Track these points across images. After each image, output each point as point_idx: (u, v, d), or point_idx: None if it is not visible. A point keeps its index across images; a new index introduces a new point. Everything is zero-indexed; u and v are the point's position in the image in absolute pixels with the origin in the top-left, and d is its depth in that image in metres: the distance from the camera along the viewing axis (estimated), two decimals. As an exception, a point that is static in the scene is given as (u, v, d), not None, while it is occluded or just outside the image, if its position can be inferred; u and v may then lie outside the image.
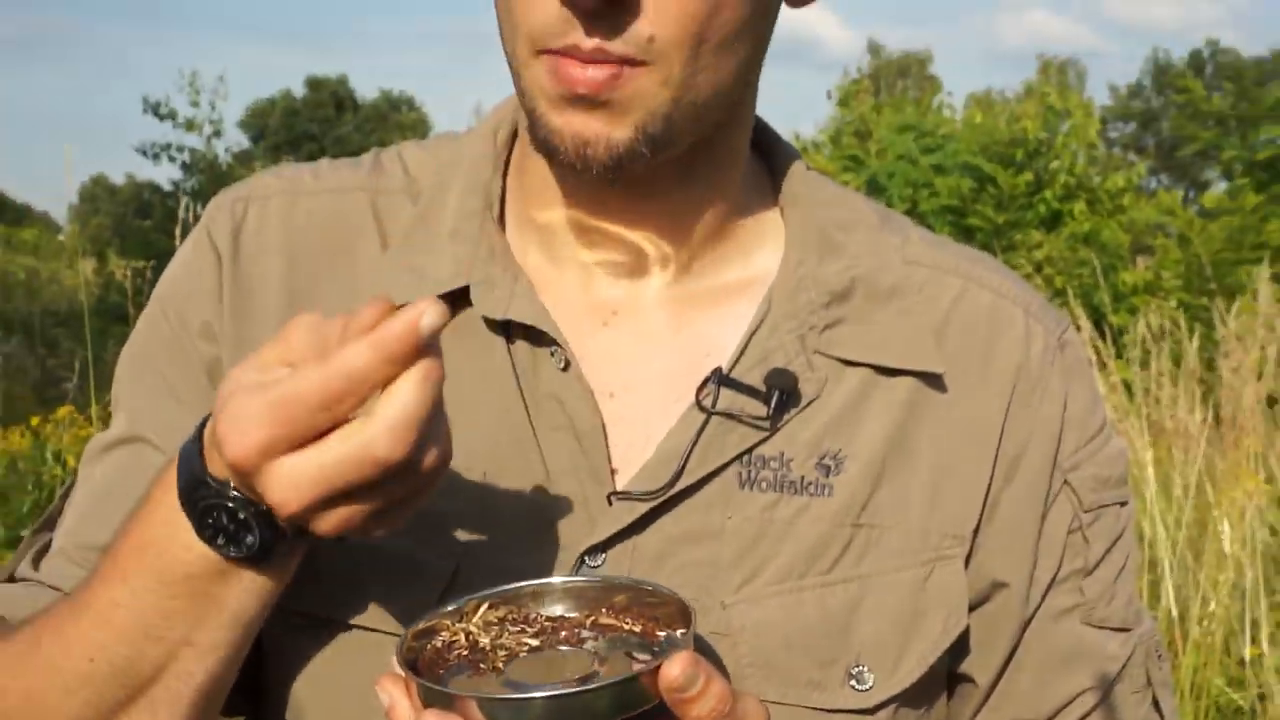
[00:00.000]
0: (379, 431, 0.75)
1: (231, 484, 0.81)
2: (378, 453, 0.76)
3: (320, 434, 0.77)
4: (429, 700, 0.79)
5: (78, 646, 0.90)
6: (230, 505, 0.82)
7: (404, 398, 0.76)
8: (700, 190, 1.04)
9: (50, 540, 1.05)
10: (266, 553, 0.84)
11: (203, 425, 0.84)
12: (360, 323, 0.78)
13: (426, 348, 0.76)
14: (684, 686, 0.77)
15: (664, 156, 0.95)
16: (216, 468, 0.82)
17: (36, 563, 1.04)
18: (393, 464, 0.76)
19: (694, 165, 1.01)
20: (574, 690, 0.78)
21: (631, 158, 0.93)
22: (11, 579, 1.05)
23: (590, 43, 0.89)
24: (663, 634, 0.86)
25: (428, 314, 0.75)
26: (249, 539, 0.82)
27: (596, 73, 0.89)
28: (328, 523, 0.80)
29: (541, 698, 0.78)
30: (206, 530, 0.83)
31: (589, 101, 0.91)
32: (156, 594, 0.87)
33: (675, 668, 0.77)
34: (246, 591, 0.87)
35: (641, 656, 0.84)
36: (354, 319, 0.79)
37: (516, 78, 0.95)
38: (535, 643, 0.86)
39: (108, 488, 1.03)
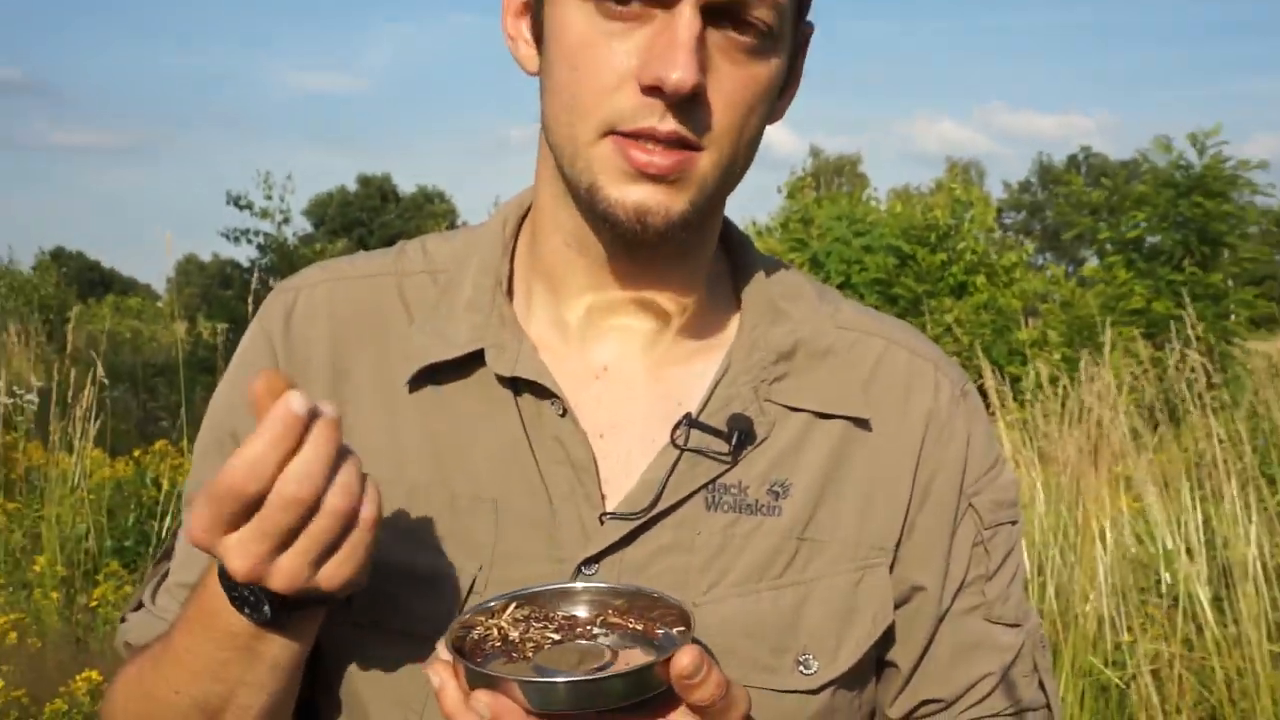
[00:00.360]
0: (286, 479, 0.78)
1: None
2: (286, 492, 0.78)
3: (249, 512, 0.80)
4: (474, 682, 0.79)
5: (166, 681, 0.96)
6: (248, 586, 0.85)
7: (304, 454, 0.78)
8: (687, 266, 1.03)
9: (167, 570, 1.09)
10: (280, 618, 0.87)
11: None
12: (254, 408, 0.80)
13: (312, 418, 0.78)
14: (692, 674, 0.77)
15: (697, 223, 0.96)
16: None
17: (155, 593, 1.09)
18: (303, 500, 0.78)
19: (688, 244, 1.01)
20: (599, 676, 0.79)
21: (683, 226, 0.94)
22: (139, 605, 1.10)
23: (667, 127, 0.89)
24: (660, 631, 0.86)
25: (293, 399, 0.77)
26: (265, 609, 0.86)
27: (667, 159, 0.90)
28: (280, 576, 0.81)
29: (570, 681, 0.78)
30: (236, 603, 0.87)
31: (655, 179, 0.91)
32: (214, 646, 0.91)
33: (686, 658, 0.77)
34: (278, 645, 0.90)
35: (646, 650, 0.84)
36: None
37: (574, 157, 0.94)
38: (556, 636, 0.86)
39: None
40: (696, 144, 0.91)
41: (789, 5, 0.93)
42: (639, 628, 0.87)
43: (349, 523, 0.81)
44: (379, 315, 1.06)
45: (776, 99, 0.99)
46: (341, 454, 0.81)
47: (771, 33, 0.92)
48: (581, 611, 0.89)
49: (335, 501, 0.80)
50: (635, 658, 0.83)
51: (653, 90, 0.88)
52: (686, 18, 0.87)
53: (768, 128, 1.01)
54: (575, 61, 0.91)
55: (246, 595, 0.86)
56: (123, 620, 1.11)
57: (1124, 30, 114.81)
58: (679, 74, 0.86)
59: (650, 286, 1.03)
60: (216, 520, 0.80)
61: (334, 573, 0.82)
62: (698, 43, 0.87)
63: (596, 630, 0.87)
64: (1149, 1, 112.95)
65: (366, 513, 0.82)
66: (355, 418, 1.01)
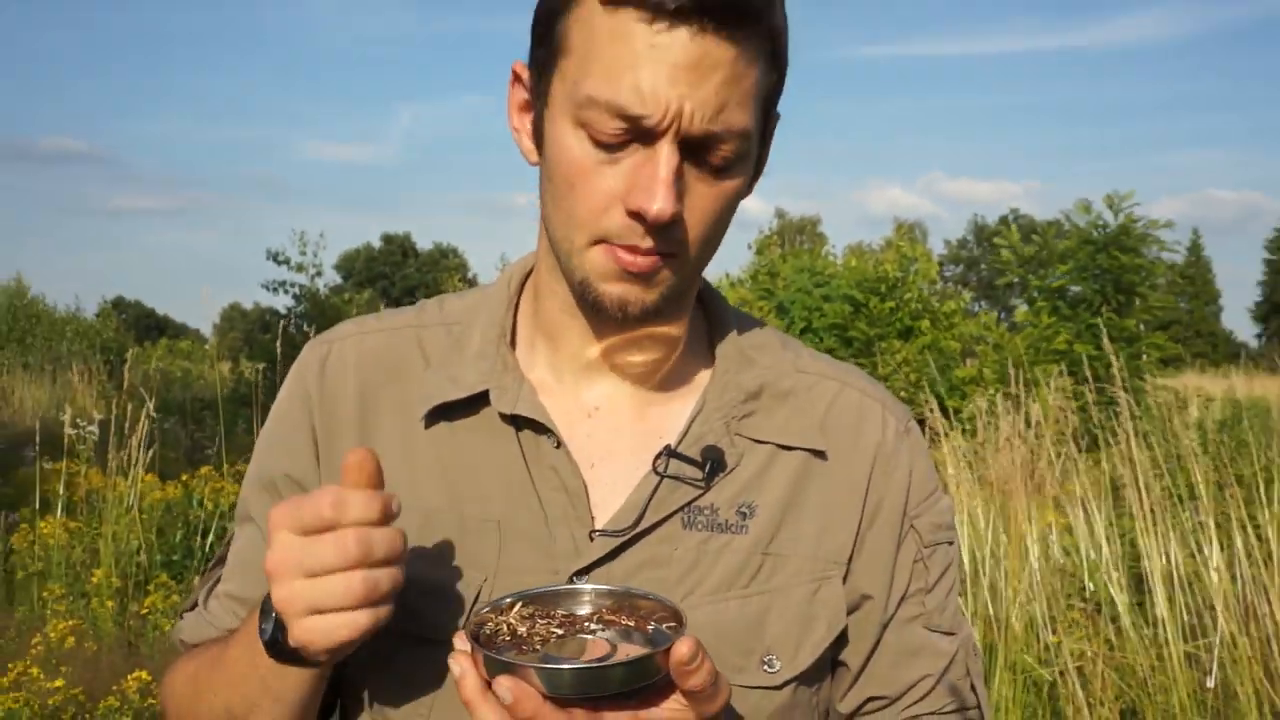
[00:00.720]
0: (347, 532, 0.82)
1: (275, 610, 0.86)
2: (343, 541, 0.81)
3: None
4: (491, 669, 0.78)
5: (210, 685, 0.98)
6: (271, 624, 0.87)
7: (376, 532, 0.82)
8: (667, 325, 1.03)
9: (219, 576, 1.10)
10: (283, 653, 0.88)
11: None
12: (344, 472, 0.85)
13: (391, 517, 0.84)
14: (690, 660, 0.78)
15: (670, 306, 0.98)
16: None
17: (208, 597, 1.10)
18: (347, 553, 0.81)
19: (669, 312, 1.01)
20: (604, 664, 0.79)
21: (656, 312, 0.97)
22: (194, 605, 1.11)
23: (648, 244, 0.91)
24: (651, 627, 0.86)
25: (395, 500, 0.85)
26: (270, 629, 0.88)
27: (646, 262, 0.92)
28: (283, 593, 0.83)
29: (577, 668, 0.78)
30: (264, 640, 0.88)
31: (635, 277, 0.93)
32: (251, 667, 0.92)
33: (685, 647, 0.78)
34: (299, 676, 0.91)
35: (640, 643, 0.84)
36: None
37: (568, 256, 0.96)
38: (560, 631, 0.86)
39: (240, 556, 1.08)
40: (670, 252, 0.93)
41: (755, 129, 0.93)
42: (631, 623, 0.87)
43: (355, 604, 0.82)
44: (400, 362, 1.06)
45: (745, 191, 0.99)
46: (393, 559, 0.84)
47: (739, 156, 0.92)
48: (580, 610, 0.89)
49: (356, 581, 0.81)
50: (633, 650, 0.82)
51: (636, 215, 0.89)
52: (665, 154, 0.88)
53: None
54: (572, 181, 0.92)
55: (275, 639, 0.87)
56: (180, 617, 1.12)
57: (1049, 111, 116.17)
58: (659, 206, 0.87)
59: (634, 343, 1.03)
60: (292, 516, 0.82)
61: (315, 629, 0.83)
62: (676, 174, 0.88)
63: (594, 626, 0.87)
64: (1069, 87, 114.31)
65: (361, 619, 0.82)
66: (379, 450, 1.00)
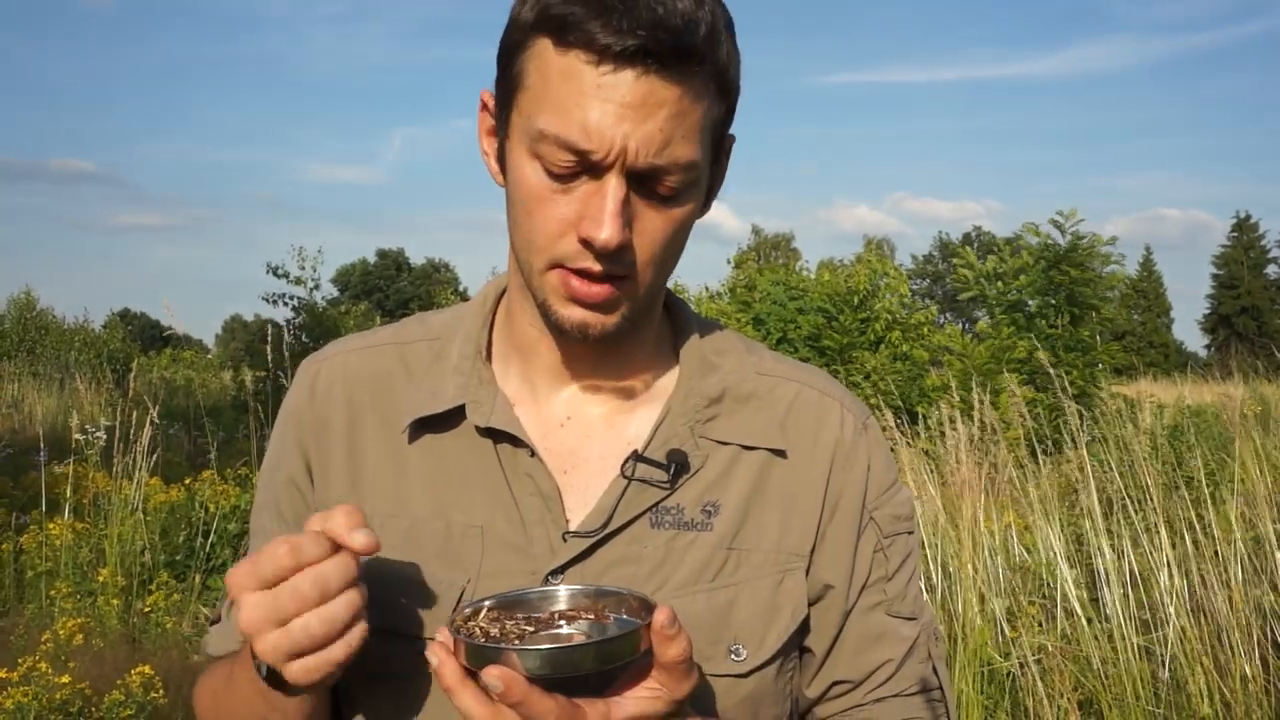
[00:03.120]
0: (304, 575, 0.82)
1: None
2: (300, 586, 0.82)
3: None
4: (472, 658, 0.79)
5: (227, 702, 0.99)
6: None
7: (323, 567, 0.83)
8: (632, 338, 1.04)
9: None
10: (277, 683, 0.87)
11: None
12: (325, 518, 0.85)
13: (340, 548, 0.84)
14: (669, 625, 0.79)
15: (632, 326, 0.98)
16: None
17: (229, 609, 1.09)
18: (304, 598, 0.82)
19: (634, 326, 1.01)
20: (579, 644, 0.80)
21: (617, 334, 0.97)
22: (218, 619, 1.11)
23: (598, 267, 0.91)
24: (612, 617, 0.87)
25: (357, 536, 0.84)
26: (263, 668, 0.87)
27: (600, 289, 0.93)
28: (264, 646, 0.83)
29: (552, 648, 0.78)
30: (262, 677, 0.88)
31: (592, 305, 0.94)
32: (256, 692, 0.91)
33: (663, 615, 0.79)
34: (299, 700, 0.92)
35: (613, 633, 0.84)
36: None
37: (529, 277, 0.97)
38: (532, 629, 0.86)
39: None
40: (624, 274, 0.93)
41: (703, 158, 0.93)
42: (591, 616, 0.88)
43: (324, 642, 0.83)
44: (385, 378, 1.07)
45: (699, 210, 1.00)
46: (349, 582, 0.84)
47: (686, 185, 0.93)
48: (553, 608, 0.89)
49: (314, 622, 0.82)
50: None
51: (586, 243, 0.90)
52: (612, 186, 0.89)
53: (708, 213, 1.04)
54: (529, 209, 0.93)
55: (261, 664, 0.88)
56: (209, 628, 1.12)
57: (1007, 135, 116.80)
58: (605, 234, 0.88)
59: (603, 355, 1.04)
60: (252, 575, 0.83)
61: (298, 669, 0.84)
62: (623, 203, 0.89)
63: (561, 622, 0.87)
64: (1026, 113, 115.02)
65: (335, 652, 0.83)
66: (367, 463, 1.04)
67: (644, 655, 0.81)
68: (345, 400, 1.06)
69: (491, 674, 0.77)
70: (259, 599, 0.82)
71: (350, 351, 1.10)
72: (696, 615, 0.98)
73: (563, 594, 0.90)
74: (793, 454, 1.05)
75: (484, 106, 1.00)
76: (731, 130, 1.00)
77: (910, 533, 1.10)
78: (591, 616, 0.88)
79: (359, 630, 0.84)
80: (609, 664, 0.79)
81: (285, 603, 0.82)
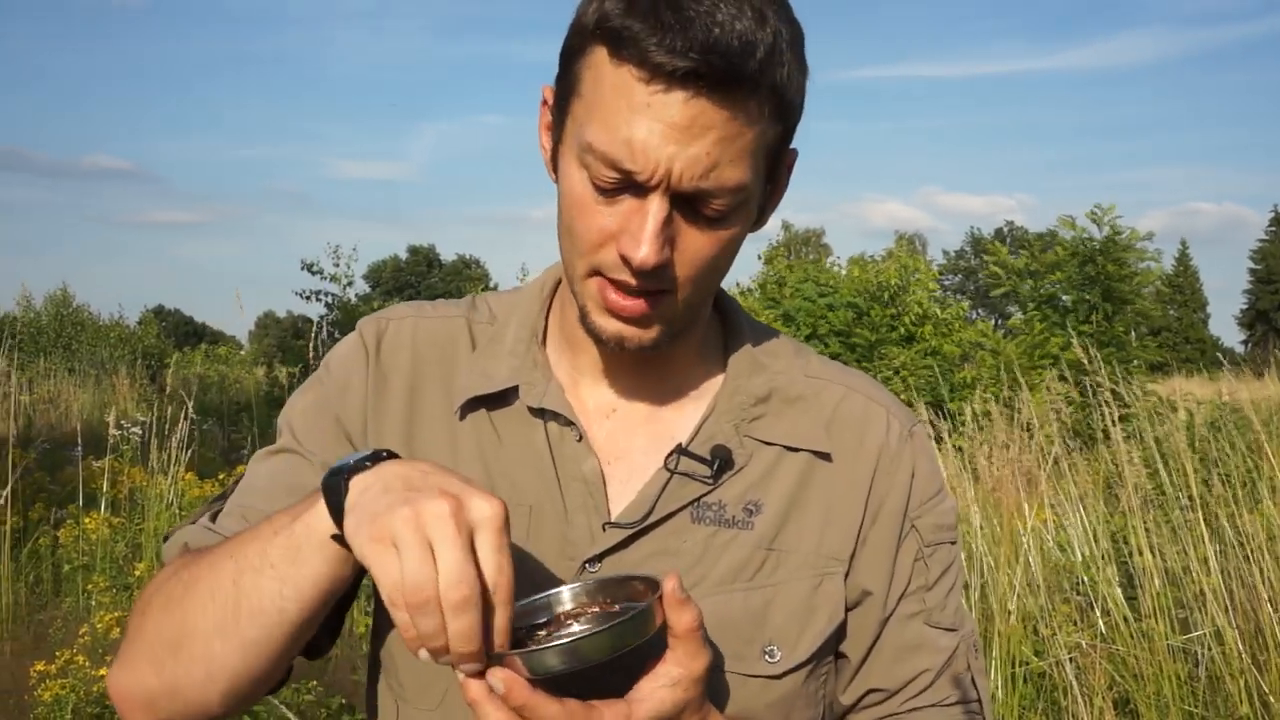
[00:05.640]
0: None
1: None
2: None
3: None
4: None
5: (227, 567, 0.89)
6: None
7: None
8: (680, 339, 1.03)
9: (223, 506, 1.04)
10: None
11: (360, 460, 0.83)
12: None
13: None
14: (679, 591, 0.81)
15: (673, 339, 0.97)
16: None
17: (213, 518, 1.03)
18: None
19: (675, 338, 1.00)
20: (584, 635, 0.78)
21: (654, 348, 0.97)
22: (194, 523, 1.04)
23: (635, 283, 0.91)
24: (617, 606, 0.87)
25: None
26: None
27: (636, 304, 0.92)
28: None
29: (557, 646, 0.77)
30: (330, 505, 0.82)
31: (628, 319, 0.93)
32: (284, 542, 0.85)
33: (673, 580, 0.81)
34: (328, 560, 0.84)
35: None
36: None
37: (571, 280, 0.97)
38: (544, 633, 0.86)
39: (272, 475, 1.04)
40: (663, 290, 0.92)
41: (753, 181, 0.91)
42: (595, 610, 0.88)
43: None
44: (451, 348, 1.07)
45: (750, 227, 0.98)
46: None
47: (734, 208, 0.91)
48: (559, 609, 0.89)
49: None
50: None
51: (624, 260, 0.89)
52: (655, 207, 0.88)
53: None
54: (574, 214, 0.92)
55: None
56: (166, 538, 1.05)
57: (1039, 129, 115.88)
58: (642, 254, 0.87)
59: (642, 359, 1.02)
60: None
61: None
62: (664, 223, 0.88)
63: (570, 622, 0.87)
64: (1057, 107, 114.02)
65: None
66: (423, 429, 1.04)
67: (660, 633, 0.81)
68: (410, 364, 1.06)
69: (496, 675, 0.77)
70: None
71: (423, 317, 1.10)
72: (732, 614, 0.97)
73: (565, 594, 0.90)
74: (837, 458, 1.04)
75: (544, 102, 0.99)
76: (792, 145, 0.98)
77: (953, 543, 1.09)
78: (597, 609, 0.88)
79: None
80: (626, 646, 0.78)
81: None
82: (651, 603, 0.80)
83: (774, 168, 0.96)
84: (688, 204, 0.89)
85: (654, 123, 0.85)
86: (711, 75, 0.83)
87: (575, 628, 0.86)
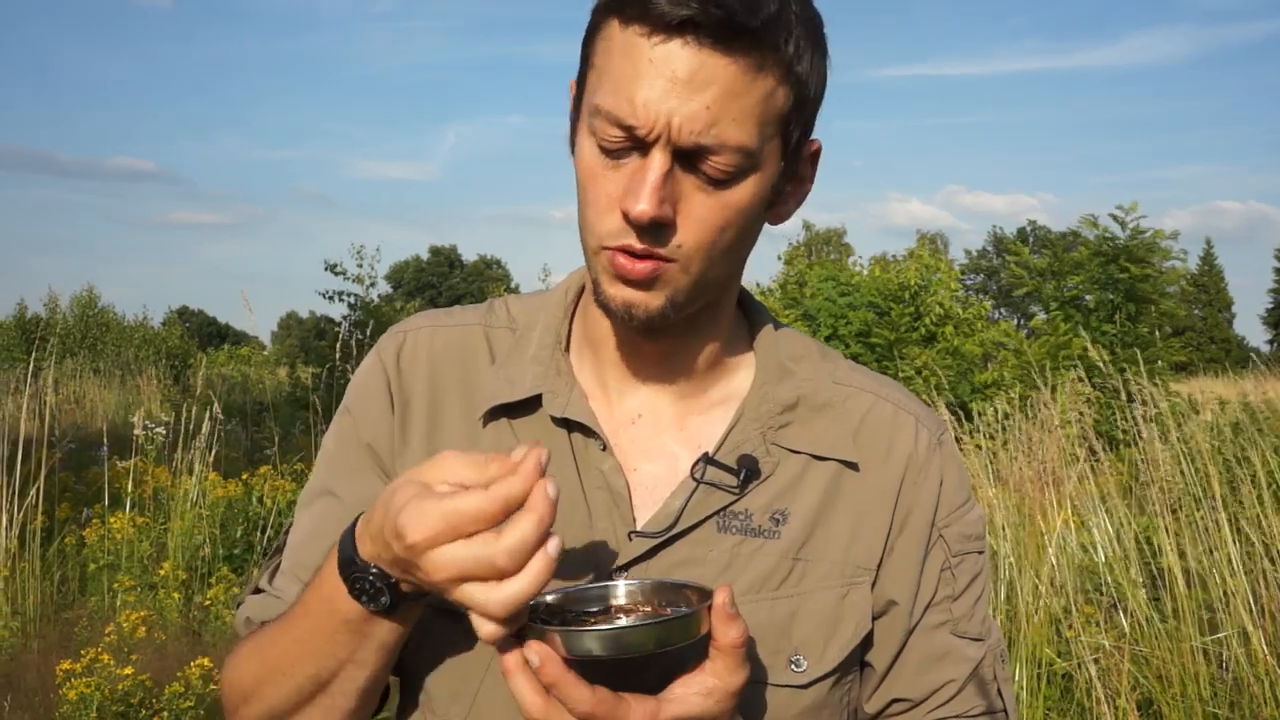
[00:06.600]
0: (502, 550, 0.75)
1: (371, 564, 0.84)
2: (498, 563, 0.75)
3: (468, 535, 0.77)
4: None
5: (285, 656, 0.94)
6: (370, 577, 0.85)
7: (524, 530, 0.75)
8: (701, 337, 1.03)
9: (279, 562, 1.07)
10: (394, 608, 0.86)
11: (356, 521, 0.87)
12: (509, 462, 0.78)
13: (544, 473, 0.77)
14: (729, 605, 0.80)
15: (681, 315, 0.96)
16: (365, 551, 0.85)
17: (271, 578, 1.07)
18: (506, 571, 0.76)
19: (699, 320, 1.01)
20: (629, 626, 0.79)
21: (661, 318, 0.94)
22: (256, 590, 1.08)
23: (640, 246, 0.90)
24: (670, 610, 0.86)
25: (546, 453, 0.78)
26: (383, 599, 0.85)
27: (642, 267, 0.91)
28: (446, 587, 0.78)
29: (598, 630, 0.78)
30: (354, 592, 0.86)
31: (634, 283, 0.92)
32: (330, 627, 0.90)
33: (725, 593, 0.81)
34: (385, 630, 0.89)
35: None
36: (502, 459, 0.79)
37: (586, 260, 0.97)
38: (593, 621, 0.86)
39: (314, 528, 1.05)
40: (667, 257, 0.91)
41: (759, 146, 0.90)
42: (648, 609, 0.88)
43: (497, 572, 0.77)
44: (469, 357, 1.07)
45: (764, 209, 0.97)
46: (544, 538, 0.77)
47: (739, 170, 0.90)
48: (612, 602, 0.89)
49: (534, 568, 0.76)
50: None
51: (625, 217, 0.89)
52: (656, 160, 0.88)
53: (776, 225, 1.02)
54: (585, 185, 0.93)
55: (366, 588, 0.85)
56: (238, 605, 1.10)
57: (1060, 128, 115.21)
58: (640, 206, 0.87)
59: (671, 353, 1.03)
60: (442, 532, 0.77)
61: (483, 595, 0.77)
62: (665, 179, 0.88)
63: (620, 616, 0.88)
64: (1078, 105, 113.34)
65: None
66: (445, 442, 1.03)
67: (701, 642, 0.81)
68: (429, 375, 1.06)
69: (532, 649, 0.77)
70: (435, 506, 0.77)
71: (439, 327, 1.10)
72: (759, 624, 0.97)
73: (621, 589, 0.90)
74: (864, 467, 1.03)
75: (570, 95, 1.00)
76: (813, 136, 0.97)
77: (980, 552, 1.08)
78: (649, 609, 0.87)
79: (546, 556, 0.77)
80: (667, 645, 0.78)
81: (467, 520, 0.76)
82: (700, 610, 0.80)
83: (791, 153, 0.96)
84: (690, 162, 0.89)
85: (656, 78, 0.86)
86: (710, 24, 0.84)
87: (623, 621, 0.85)
